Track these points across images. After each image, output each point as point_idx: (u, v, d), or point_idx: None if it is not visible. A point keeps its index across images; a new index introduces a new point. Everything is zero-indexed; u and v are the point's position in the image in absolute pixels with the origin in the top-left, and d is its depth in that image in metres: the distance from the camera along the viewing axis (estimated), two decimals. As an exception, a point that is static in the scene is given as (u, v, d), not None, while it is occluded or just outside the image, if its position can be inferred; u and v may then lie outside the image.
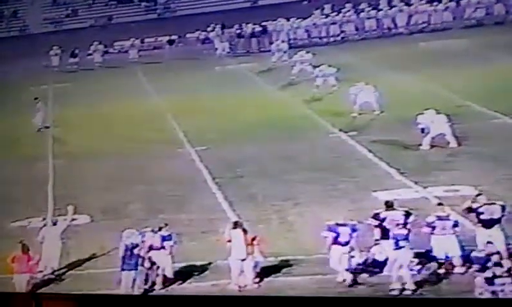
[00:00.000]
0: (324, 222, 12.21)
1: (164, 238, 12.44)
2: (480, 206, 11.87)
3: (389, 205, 12.17)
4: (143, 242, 12.23)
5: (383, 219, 11.89)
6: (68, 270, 13.21)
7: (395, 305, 8.37)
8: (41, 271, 12.88)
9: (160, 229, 12.57)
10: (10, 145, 21.43)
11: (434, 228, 11.75)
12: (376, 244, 12.00)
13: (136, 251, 12.09)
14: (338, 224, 11.95)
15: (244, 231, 12.10)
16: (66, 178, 18.10)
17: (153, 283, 12.36)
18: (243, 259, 11.92)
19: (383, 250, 11.88)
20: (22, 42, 37.88)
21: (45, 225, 13.69)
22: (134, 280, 12.01)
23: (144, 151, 19.65)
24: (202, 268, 12.70)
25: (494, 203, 11.91)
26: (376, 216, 12.02)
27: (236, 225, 12.26)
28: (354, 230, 11.92)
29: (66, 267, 13.29)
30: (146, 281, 12.32)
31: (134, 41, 35.25)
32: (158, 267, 12.29)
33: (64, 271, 13.19)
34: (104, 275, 12.86)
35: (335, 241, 11.86)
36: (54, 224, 13.44)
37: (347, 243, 11.82)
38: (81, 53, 33.64)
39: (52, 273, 13.03)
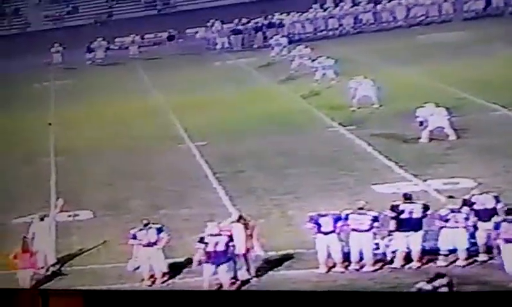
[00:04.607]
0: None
1: (159, 231, 12.50)
2: (471, 197, 11.95)
3: (408, 198, 12.19)
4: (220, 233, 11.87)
5: (402, 211, 11.92)
6: (62, 265, 13.28)
7: (396, 299, 8.45)
8: (42, 267, 12.99)
9: (146, 225, 12.57)
10: (12, 142, 21.57)
11: (447, 220, 11.75)
12: (388, 235, 12.06)
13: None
14: (320, 215, 12.12)
15: (245, 225, 12.18)
16: (68, 174, 18.21)
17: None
18: (244, 254, 12.02)
19: (393, 242, 11.96)
20: (23, 39, 37.98)
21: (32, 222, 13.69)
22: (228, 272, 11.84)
23: (144, 147, 19.76)
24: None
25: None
26: (393, 208, 12.03)
27: (239, 219, 12.32)
28: (337, 220, 12.03)
29: (60, 260, 13.34)
30: None
31: (135, 38, 35.35)
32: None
33: (61, 265, 13.27)
34: (108, 270, 13.00)
35: (319, 231, 12.05)
36: (42, 219, 13.49)
37: (331, 232, 11.98)
38: (82, 50, 33.75)
39: (53, 265, 13.13)
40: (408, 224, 11.87)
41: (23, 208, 15.92)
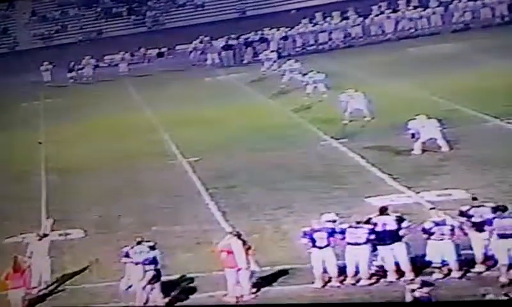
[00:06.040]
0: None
1: (151, 249, 12.35)
2: (470, 209, 11.92)
3: (383, 211, 12.18)
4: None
5: (375, 224, 11.89)
6: (59, 285, 13.14)
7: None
8: (35, 287, 12.81)
9: (139, 243, 12.41)
10: (2, 161, 21.39)
11: (431, 233, 11.68)
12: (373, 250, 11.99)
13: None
14: (314, 230, 12.04)
15: (243, 241, 12.09)
16: (59, 193, 18.05)
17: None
18: (239, 269, 11.90)
19: (379, 256, 11.91)
20: (12, 58, 37.90)
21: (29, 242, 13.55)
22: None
23: (136, 164, 19.64)
24: (196, 280, 12.66)
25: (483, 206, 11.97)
26: (369, 221, 12.04)
27: (239, 236, 12.20)
28: (331, 234, 11.95)
29: (57, 281, 13.20)
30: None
31: (124, 55, 35.35)
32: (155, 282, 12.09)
33: (56, 286, 13.13)
34: (101, 289, 12.83)
35: (313, 245, 11.98)
36: (40, 239, 13.36)
37: (326, 246, 11.91)
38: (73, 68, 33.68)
39: (46, 288, 12.97)
40: (382, 237, 11.81)
41: (14, 228, 15.74)
